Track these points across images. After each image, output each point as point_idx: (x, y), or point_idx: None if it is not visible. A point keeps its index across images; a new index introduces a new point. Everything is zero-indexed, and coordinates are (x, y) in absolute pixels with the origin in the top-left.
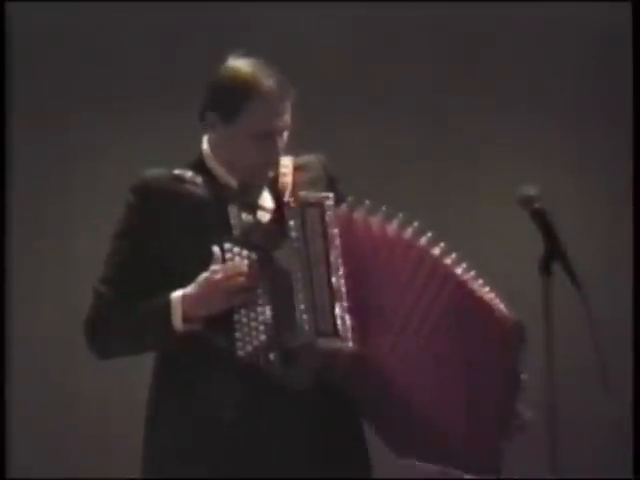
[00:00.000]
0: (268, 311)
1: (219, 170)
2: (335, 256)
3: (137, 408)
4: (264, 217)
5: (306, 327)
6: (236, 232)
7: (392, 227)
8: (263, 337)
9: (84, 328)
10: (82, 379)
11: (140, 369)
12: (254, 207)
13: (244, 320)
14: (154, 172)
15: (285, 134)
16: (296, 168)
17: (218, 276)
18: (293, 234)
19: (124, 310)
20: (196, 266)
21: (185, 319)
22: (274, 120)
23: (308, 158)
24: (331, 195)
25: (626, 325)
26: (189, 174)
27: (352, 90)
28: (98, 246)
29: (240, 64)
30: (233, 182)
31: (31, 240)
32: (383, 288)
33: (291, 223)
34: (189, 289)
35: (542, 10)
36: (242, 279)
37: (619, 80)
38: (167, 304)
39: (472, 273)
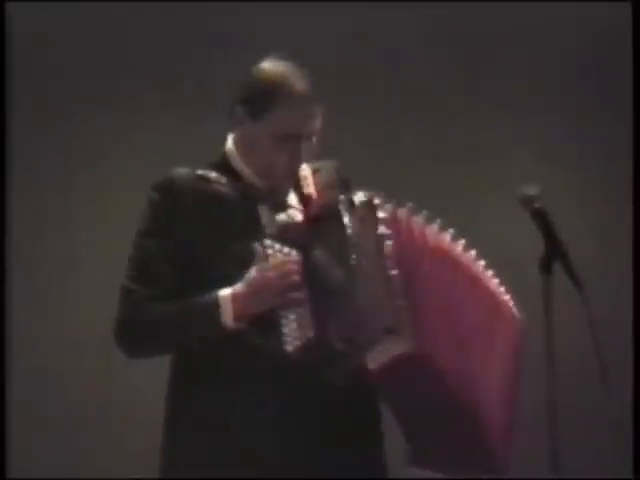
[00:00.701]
0: (314, 308)
1: (245, 170)
2: (389, 254)
3: (138, 408)
4: (296, 216)
5: (371, 324)
6: (269, 231)
7: (432, 230)
8: (311, 334)
9: (116, 328)
10: (82, 379)
11: (141, 369)
12: (285, 206)
13: (291, 317)
14: (178, 171)
15: (313, 140)
16: (313, 171)
17: (270, 274)
18: (349, 231)
19: (163, 308)
20: (226, 264)
21: (235, 317)
22: (302, 123)
23: (322, 163)
24: (380, 195)
25: (626, 325)
26: (213, 174)
27: (352, 90)
28: (98, 246)
29: (275, 65)
30: (259, 181)
31: (31, 240)
32: (425, 289)
33: (346, 220)
34: (239, 287)
35: (542, 10)
36: (294, 277)
37: (619, 80)
38: (215, 302)
39: (497, 281)
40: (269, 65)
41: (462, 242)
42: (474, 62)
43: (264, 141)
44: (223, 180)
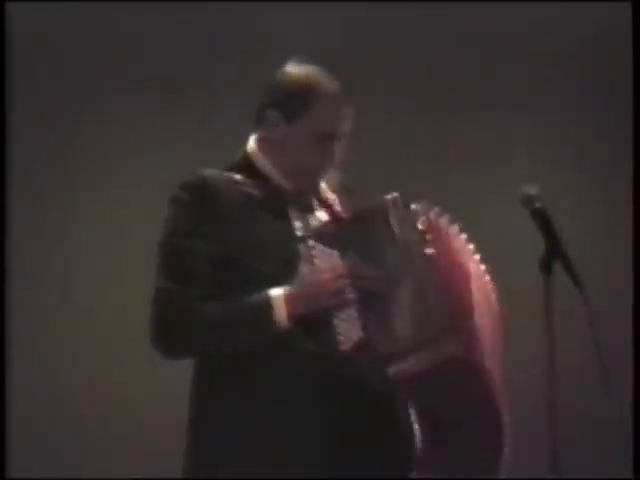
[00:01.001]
0: (363, 308)
1: (271, 171)
2: (433, 256)
3: (137, 408)
4: (327, 218)
5: (428, 325)
6: (305, 232)
7: (454, 231)
8: (362, 334)
9: (155, 328)
10: (82, 379)
11: (141, 369)
12: (312, 209)
13: (342, 316)
14: (207, 171)
15: (343, 141)
16: None
17: (326, 276)
18: (396, 232)
19: (208, 308)
20: (265, 264)
21: (289, 318)
22: (337, 123)
23: None
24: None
25: (626, 325)
26: (238, 176)
27: (352, 90)
28: (98, 246)
29: (304, 68)
30: (286, 183)
31: (31, 240)
32: (458, 291)
33: (393, 221)
34: (290, 288)
35: (542, 10)
36: (346, 279)
37: (619, 80)
38: (267, 302)
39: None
40: (298, 68)
41: (472, 245)
42: (474, 62)
43: (299, 142)
44: (248, 182)
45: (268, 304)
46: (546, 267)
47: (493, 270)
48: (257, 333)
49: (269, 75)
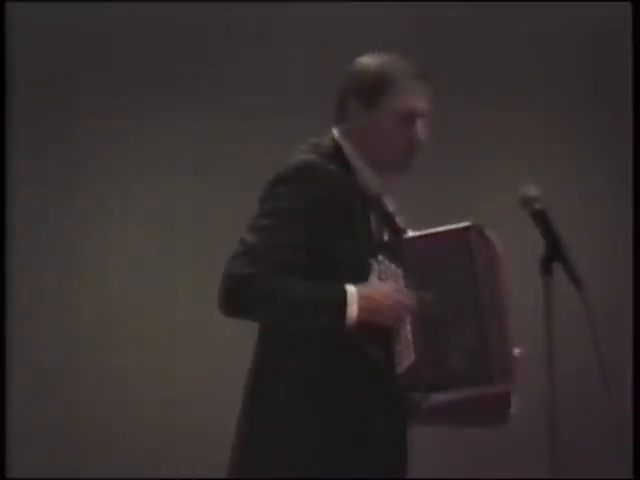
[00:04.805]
0: (419, 332)
1: (359, 164)
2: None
3: (137, 408)
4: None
5: (489, 364)
6: (377, 242)
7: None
8: (413, 357)
9: (236, 282)
10: (82, 379)
11: (138, 369)
12: (389, 218)
13: (399, 337)
14: (313, 157)
15: (425, 120)
16: None
17: (400, 296)
18: (474, 264)
19: (285, 279)
20: (347, 258)
21: (358, 318)
22: (414, 100)
23: None
24: None
25: (626, 324)
26: (333, 167)
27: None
28: (99, 247)
29: (379, 56)
30: (370, 182)
31: (31, 241)
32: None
33: (474, 252)
34: (364, 290)
35: (542, 10)
36: (411, 303)
37: (619, 80)
38: (343, 295)
39: None
40: (372, 57)
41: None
42: (474, 62)
43: (382, 126)
44: (345, 178)
45: (344, 297)
46: (546, 268)
47: None
48: (325, 322)
49: (270, 76)
